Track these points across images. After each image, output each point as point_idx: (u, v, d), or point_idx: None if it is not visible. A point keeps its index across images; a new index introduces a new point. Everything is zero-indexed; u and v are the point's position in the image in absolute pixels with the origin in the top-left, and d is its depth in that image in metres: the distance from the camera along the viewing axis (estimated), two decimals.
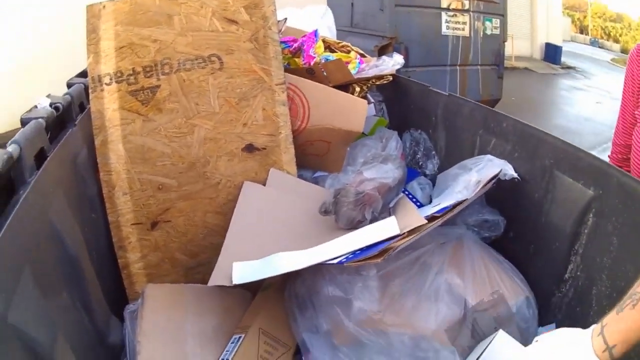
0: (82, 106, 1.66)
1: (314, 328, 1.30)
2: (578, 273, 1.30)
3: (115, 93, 1.56)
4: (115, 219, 1.56)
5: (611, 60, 11.11)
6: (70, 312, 1.16)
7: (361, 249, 1.26)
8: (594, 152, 1.33)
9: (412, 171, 1.94)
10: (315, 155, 1.79)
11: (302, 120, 1.71)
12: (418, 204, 1.75)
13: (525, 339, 1.25)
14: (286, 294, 1.37)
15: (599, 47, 12.21)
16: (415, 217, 1.31)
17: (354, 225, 1.44)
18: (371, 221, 1.43)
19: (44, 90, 1.59)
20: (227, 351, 1.31)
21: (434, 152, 1.98)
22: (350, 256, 1.24)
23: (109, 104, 1.56)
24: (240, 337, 1.33)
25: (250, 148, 1.62)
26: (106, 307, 1.40)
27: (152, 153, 1.57)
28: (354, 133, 1.76)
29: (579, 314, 1.28)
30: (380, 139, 1.96)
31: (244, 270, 1.36)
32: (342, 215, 1.45)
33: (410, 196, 1.78)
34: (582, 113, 6.99)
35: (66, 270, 1.19)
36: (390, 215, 1.42)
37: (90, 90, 1.56)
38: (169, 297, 1.43)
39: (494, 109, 1.78)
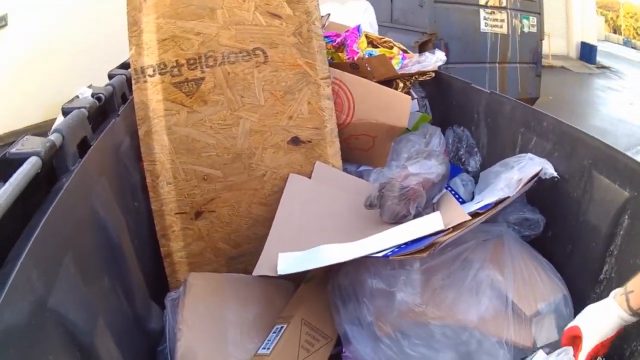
0: (124, 97, 1.68)
1: (357, 320, 1.31)
2: (612, 274, 1.28)
3: (159, 84, 1.57)
4: (159, 207, 1.58)
5: None
6: (111, 298, 1.18)
7: (406, 243, 1.26)
8: (628, 154, 1.31)
9: (455, 167, 1.94)
10: (360, 149, 1.80)
11: (347, 114, 1.73)
12: (460, 200, 1.75)
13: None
14: (329, 286, 1.37)
15: (632, 47, 12.01)
16: (459, 213, 1.31)
17: (398, 219, 1.45)
18: (415, 216, 1.43)
19: (82, 82, 1.61)
20: (268, 340, 1.33)
21: (476, 149, 1.97)
22: (396, 250, 1.24)
23: (152, 95, 1.57)
24: (282, 327, 1.34)
25: (295, 141, 1.63)
26: (147, 294, 1.42)
27: (197, 144, 1.58)
28: (398, 128, 1.76)
29: None
30: (423, 135, 1.96)
31: (288, 261, 1.37)
32: (387, 209, 1.45)
33: (453, 192, 1.78)
34: (616, 114, 6.89)
35: (108, 256, 1.21)
36: (434, 210, 1.41)
37: (133, 82, 1.58)
38: (211, 286, 1.45)
39: (533, 107, 1.76)
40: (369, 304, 1.29)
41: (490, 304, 1.27)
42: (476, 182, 1.86)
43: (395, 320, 1.27)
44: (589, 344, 1.05)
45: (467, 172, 1.96)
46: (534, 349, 1.20)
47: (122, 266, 1.27)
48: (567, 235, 1.46)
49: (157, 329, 1.39)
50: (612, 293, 1.04)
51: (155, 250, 1.58)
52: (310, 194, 1.58)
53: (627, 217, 1.24)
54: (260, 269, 1.40)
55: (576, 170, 1.43)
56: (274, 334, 1.33)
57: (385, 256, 1.23)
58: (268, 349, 1.30)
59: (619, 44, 11.97)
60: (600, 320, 1.05)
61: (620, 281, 1.23)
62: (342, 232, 1.44)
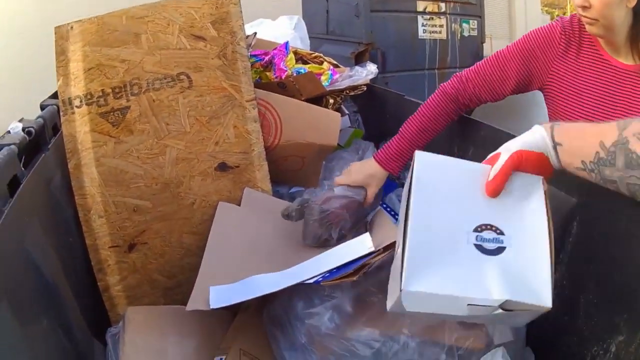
0: (56, 128, 1.65)
1: (292, 345, 1.29)
2: (564, 282, 1.27)
3: (86, 115, 1.55)
4: (93, 242, 1.55)
5: None
6: (51, 340, 1.15)
7: (337, 268, 1.25)
8: None
9: (390, 183, 1.92)
10: (290, 170, 1.79)
11: (275, 136, 1.71)
12: (396, 217, 1.75)
13: (517, 339, 1.25)
14: (264, 315, 1.36)
15: None
16: (391, 232, 1.30)
17: (321, 242, 1.44)
18: (339, 239, 1.42)
19: (21, 113, 1.58)
20: None
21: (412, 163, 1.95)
22: (327, 275, 1.23)
23: (80, 127, 1.55)
24: (221, 359, 1.32)
25: (223, 167, 1.61)
26: (88, 332, 1.39)
27: (125, 175, 1.55)
28: (328, 147, 1.75)
29: (567, 322, 1.25)
30: (356, 151, 1.95)
31: (221, 294, 1.35)
32: (308, 232, 1.45)
33: (388, 209, 1.77)
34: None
35: (45, 298, 1.18)
36: (367, 230, 1.41)
37: (61, 114, 1.55)
38: (149, 320, 1.41)
39: (471, 116, 1.76)
40: (300, 326, 1.27)
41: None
42: None
43: (328, 340, 1.25)
44: (508, 150, 1.07)
45: (402, 185, 1.95)
46: (488, 350, 1.17)
47: (61, 306, 1.25)
48: None
49: None
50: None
51: (94, 285, 1.55)
52: (240, 221, 1.56)
53: (575, 223, 1.24)
54: (194, 303, 1.36)
55: None
56: None
57: (316, 282, 1.22)
58: None
59: None
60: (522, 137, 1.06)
61: (574, 288, 1.24)
62: (274, 259, 1.43)
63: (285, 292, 1.29)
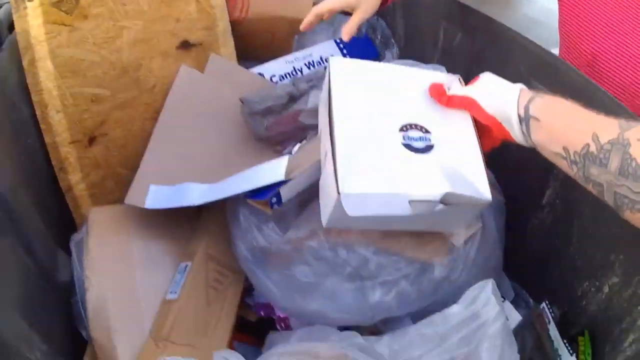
0: (13, 28, 1.53)
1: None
2: (557, 200, 1.19)
3: (39, 8, 1.40)
4: (52, 140, 1.43)
5: None
6: (8, 261, 1.07)
7: (261, 190, 1.14)
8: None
9: (371, 49, 1.82)
10: (259, 47, 1.67)
11: (241, 10, 1.59)
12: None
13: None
14: (227, 214, 1.27)
15: None
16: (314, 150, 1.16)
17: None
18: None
19: None
20: (175, 282, 1.23)
21: (393, 41, 1.84)
22: (249, 195, 1.14)
23: (33, 20, 1.41)
24: (186, 266, 1.24)
25: (185, 45, 1.49)
26: (51, 242, 1.31)
27: (82, 64, 1.43)
28: (300, 20, 1.59)
29: (558, 246, 1.19)
30: (331, 24, 1.81)
31: (158, 195, 1.29)
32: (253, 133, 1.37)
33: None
34: (551, 5, 6.71)
35: None
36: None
37: (13, 12, 1.42)
38: (113, 221, 1.33)
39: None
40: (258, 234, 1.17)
41: None
42: None
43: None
44: (474, 90, 1.01)
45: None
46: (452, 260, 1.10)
47: (17, 220, 1.15)
48: (505, 147, 1.36)
49: (68, 280, 1.29)
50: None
51: (57, 189, 1.46)
52: (199, 89, 1.47)
53: None
54: (132, 197, 1.32)
55: (511, 77, 1.32)
56: (180, 275, 1.24)
57: (245, 197, 1.14)
58: (175, 292, 1.20)
59: None
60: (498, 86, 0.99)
61: (567, 210, 1.15)
62: (223, 145, 1.38)
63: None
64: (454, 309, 1.03)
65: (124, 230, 1.31)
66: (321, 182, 1.06)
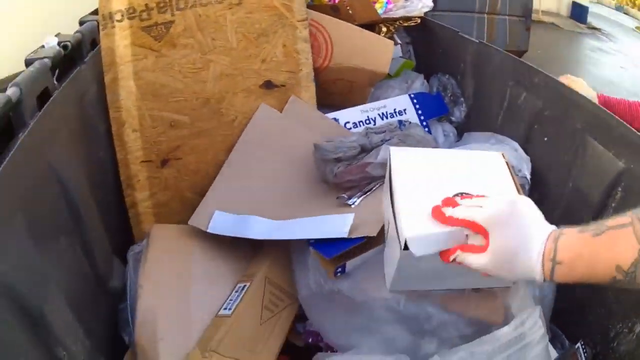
0: (95, 44, 1.59)
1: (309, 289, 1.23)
2: None
3: (127, 30, 1.48)
4: (124, 156, 1.49)
5: (636, 27, 10.83)
6: (67, 259, 1.10)
7: (325, 241, 1.17)
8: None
9: (442, 105, 1.87)
10: (337, 94, 1.72)
11: (325, 58, 1.64)
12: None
13: (542, 308, 1.16)
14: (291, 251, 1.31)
15: (624, 13, 11.89)
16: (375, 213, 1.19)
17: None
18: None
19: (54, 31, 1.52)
20: (230, 300, 1.24)
21: (461, 99, 1.89)
22: (313, 243, 1.18)
23: (120, 40, 1.48)
24: (245, 286, 1.26)
25: (268, 85, 1.54)
26: (109, 250, 1.34)
27: (165, 89, 1.49)
28: (378, 74, 1.69)
29: (597, 292, 1.20)
30: (405, 81, 1.89)
31: (222, 221, 1.33)
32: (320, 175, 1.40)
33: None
34: (607, 75, 6.76)
35: (65, 213, 1.13)
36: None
37: (100, 28, 1.48)
38: (175, 238, 1.37)
39: (525, 61, 1.67)
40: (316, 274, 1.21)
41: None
42: (459, 134, 1.79)
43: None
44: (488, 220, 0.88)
45: (451, 122, 1.89)
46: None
47: (81, 222, 1.19)
48: (554, 199, 1.39)
49: (119, 287, 1.32)
50: (540, 249, 0.82)
51: (121, 202, 1.50)
52: (276, 127, 1.51)
53: (620, 189, 1.18)
54: (196, 219, 1.37)
55: (568, 133, 1.36)
56: (236, 293, 1.25)
57: (309, 245, 1.18)
58: (229, 309, 1.21)
59: (610, 7, 11.83)
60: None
61: None
62: (291, 183, 1.43)
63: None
64: (504, 330, 1.05)
65: (184, 248, 1.34)
66: (385, 252, 1.11)
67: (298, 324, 1.34)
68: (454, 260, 0.90)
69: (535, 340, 1.02)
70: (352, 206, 1.27)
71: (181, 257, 1.33)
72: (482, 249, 0.87)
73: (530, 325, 1.04)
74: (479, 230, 0.88)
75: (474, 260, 0.87)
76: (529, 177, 1.43)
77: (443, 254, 0.92)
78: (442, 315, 1.11)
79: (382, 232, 1.12)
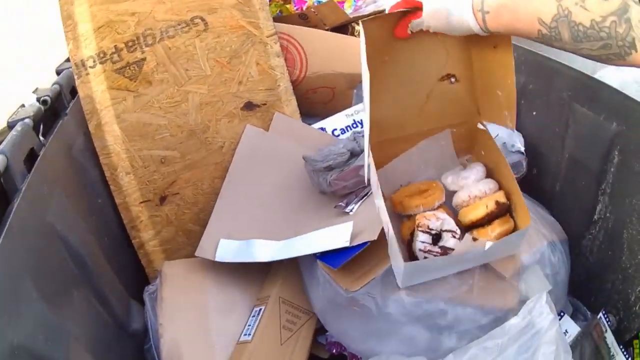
0: (75, 91, 1.59)
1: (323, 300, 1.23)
2: (607, 214, 1.21)
3: (101, 74, 1.49)
4: (123, 200, 1.50)
5: None
6: (84, 312, 1.11)
7: (330, 252, 1.19)
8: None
9: None
10: (320, 102, 1.72)
11: (300, 69, 1.63)
12: None
13: (556, 285, 1.19)
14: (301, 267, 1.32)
15: None
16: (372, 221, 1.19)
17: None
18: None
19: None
20: (249, 326, 1.26)
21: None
22: (319, 256, 1.20)
23: (96, 86, 1.49)
24: (260, 310, 1.28)
25: (249, 106, 1.55)
26: (124, 294, 1.35)
27: (149, 127, 1.50)
28: (357, 75, 1.65)
29: (611, 258, 1.21)
30: None
31: (227, 249, 1.35)
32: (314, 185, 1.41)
33: None
34: None
35: (73, 268, 1.13)
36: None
37: (75, 77, 1.49)
38: (187, 273, 1.38)
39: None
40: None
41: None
42: None
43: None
44: None
45: None
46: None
47: (91, 273, 1.19)
48: (553, 171, 1.39)
49: (140, 328, 1.33)
50: (469, 2, 0.95)
51: (130, 245, 1.52)
52: (265, 145, 1.52)
53: (616, 152, 1.17)
54: (202, 250, 1.37)
55: (555, 104, 1.36)
56: (253, 318, 1.27)
57: (316, 258, 1.20)
58: (249, 334, 1.23)
59: None
60: None
61: (617, 221, 1.17)
62: (288, 199, 1.44)
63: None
64: (512, 321, 1.06)
65: (196, 281, 1.36)
66: (390, 251, 1.11)
67: (320, 336, 1.35)
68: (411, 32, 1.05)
69: (546, 327, 1.02)
70: (351, 213, 1.28)
71: (195, 289, 1.34)
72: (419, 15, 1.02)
73: (538, 312, 1.04)
74: (416, 4, 1.01)
75: (417, 23, 1.03)
76: (523, 150, 1.42)
77: (397, 31, 1.09)
78: (455, 309, 1.11)
79: (382, 234, 1.12)
